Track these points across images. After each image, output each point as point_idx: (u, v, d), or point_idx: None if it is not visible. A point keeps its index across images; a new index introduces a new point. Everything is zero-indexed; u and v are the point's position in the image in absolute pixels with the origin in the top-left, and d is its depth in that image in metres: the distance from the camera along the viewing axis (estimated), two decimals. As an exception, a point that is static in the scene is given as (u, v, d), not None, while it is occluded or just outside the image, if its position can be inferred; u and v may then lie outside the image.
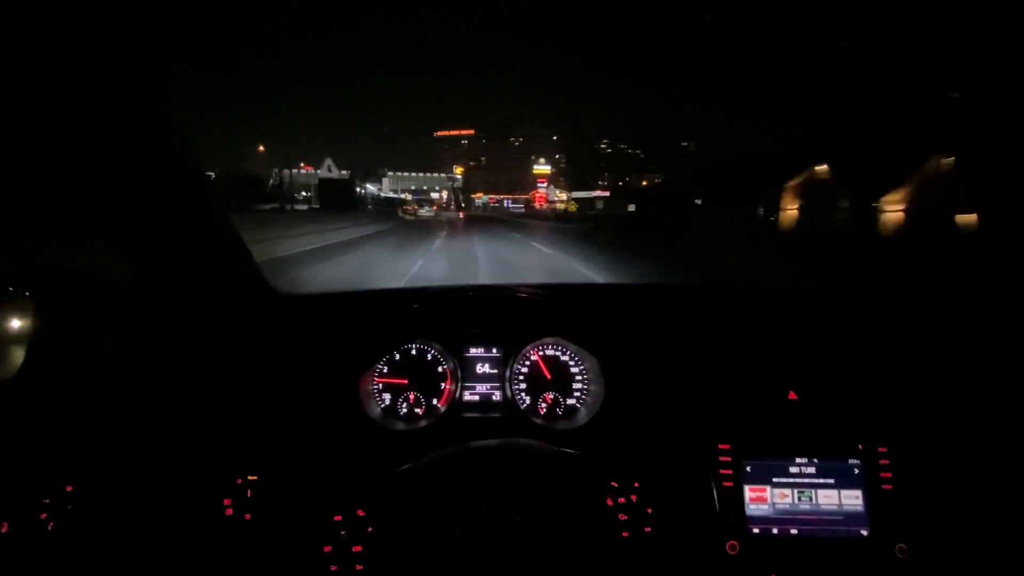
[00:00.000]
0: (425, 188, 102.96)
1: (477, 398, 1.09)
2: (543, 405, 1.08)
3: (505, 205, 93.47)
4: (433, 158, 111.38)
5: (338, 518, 0.77)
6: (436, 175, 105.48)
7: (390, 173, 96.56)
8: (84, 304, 0.84)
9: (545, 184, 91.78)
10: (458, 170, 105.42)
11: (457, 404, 1.07)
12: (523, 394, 1.08)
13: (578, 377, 1.09)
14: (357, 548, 0.75)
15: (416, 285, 1.12)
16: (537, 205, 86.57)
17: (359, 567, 0.75)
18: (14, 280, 0.80)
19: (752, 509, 0.89)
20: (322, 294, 1.19)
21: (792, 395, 0.95)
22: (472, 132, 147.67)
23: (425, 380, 1.08)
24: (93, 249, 0.82)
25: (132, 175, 0.73)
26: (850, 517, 0.88)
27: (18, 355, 0.78)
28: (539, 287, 1.09)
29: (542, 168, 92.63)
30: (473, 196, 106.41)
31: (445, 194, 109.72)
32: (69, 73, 0.57)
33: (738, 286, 1.38)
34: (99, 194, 0.73)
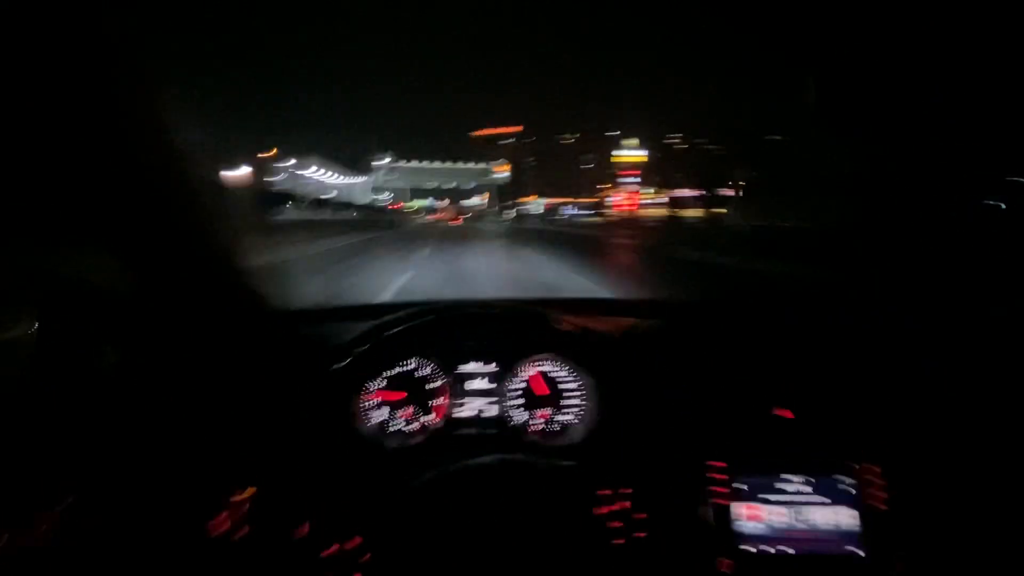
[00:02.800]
0: (455, 185, 73.44)
1: (472, 414, 1.09)
2: (538, 422, 1.08)
3: (563, 212, 62.18)
4: (474, 156, 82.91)
5: (331, 538, 0.77)
6: (475, 165, 75.10)
7: (404, 163, 67.17)
8: (86, 314, 0.85)
9: (638, 177, 60.09)
10: (502, 167, 75.30)
11: (451, 421, 1.07)
12: (518, 411, 1.09)
13: (573, 394, 1.09)
14: (352, 567, 0.75)
15: (410, 299, 1.06)
16: (626, 209, 55.61)
17: None
18: (17, 289, 0.81)
19: (745, 527, 0.89)
20: (318, 309, 1.22)
21: (786, 412, 0.96)
22: (520, 129, 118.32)
23: (418, 396, 1.08)
24: (95, 259, 0.82)
25: (132, 184, 0.72)
26: (845, 536, 0.88)
27: (19, 364, 0.79)
28: (535, 302, 1.14)
29: (632, 154, 60.95)
30: (522, 200, 75.98)
31: (485, 198, 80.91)
32: (62, 79, 0.56)
33: (731, 303, 1.39)
34: (99, 203, 0.73)
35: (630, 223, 41.02)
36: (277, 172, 31.91)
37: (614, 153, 60.22)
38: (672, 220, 41.17)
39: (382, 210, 52.87)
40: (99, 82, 0.60)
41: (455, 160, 71.71)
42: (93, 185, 0.69)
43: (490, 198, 76.79)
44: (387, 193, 63.18)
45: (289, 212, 26.55)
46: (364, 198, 53.35)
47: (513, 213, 60.84)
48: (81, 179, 0.67)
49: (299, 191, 36.10)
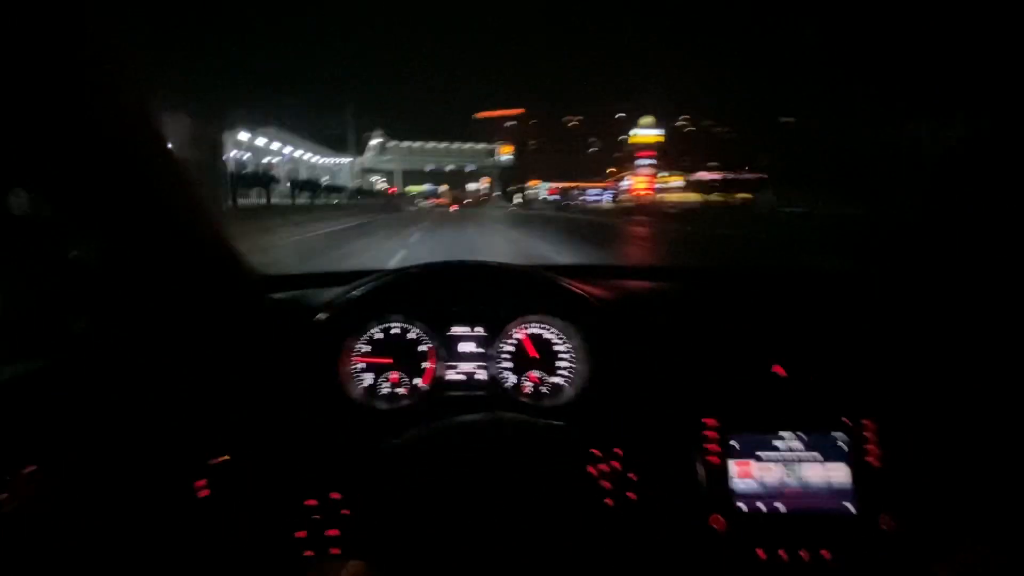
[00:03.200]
0: (454, 167, 67.26)
1: (461, 377, 1.08)
2: (528, 384, 1.08)
3: (582, 197, 56.87)
4: (474, 136, 76.79)
5: (314, 500, 0.77)
6: (476, 146, 68.95)
7: (397, 143, 61.09)
8: (53, 283, 0.83)
9: (653, 160, 54.84)
10: (506, 149, 69.55)
11: (440, 383, 1.07)
12: (508, 373, 1.09)
13: (564, 355, 1.09)
14: (333, 530, 0.75)
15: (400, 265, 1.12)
16: (643, 194, 50.38)
17: (335, 548, 0.75)
18: None
19: (738, 484, 0.89)
20: (302, 274, 1.20)
21: (778, 369, 0.95)
22: (523, 111, 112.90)
23: (407, 359, 1.07)
24: (61, 227, 0.80)
25: (97, 148, 0.70)
26: (837, 492, 0.88)
27: None
28: (524, 266, 1.12)
29: (647, 134, 55.50)
30: (526, 185, 70.48)
31: (486, 182, 75.20)
32: (30, 46, 0.54)
33: (725, 267, 1.42)
34: (63, 169, 0.70)
35: (654, 210, 35.83)
36: (242, 150, 26.40)
37: (632, 133, 54.27)
38: (707, 206, 35.95)
39: (374, 194, 47.13)
40: (65, 55, 0.58)
41: (453, 140, 65.41)
42: (57, 153, 0.67)
43: (492, 182, 71.12)
44: (378, 176, 57.32)
45: (254, 196, 21.29)
46: (351, 181, 47.48)
47: (519, 198, 55.18)
48: (44, 147, 0.66)
49: (270, 172, 30.63)
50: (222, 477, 0.80)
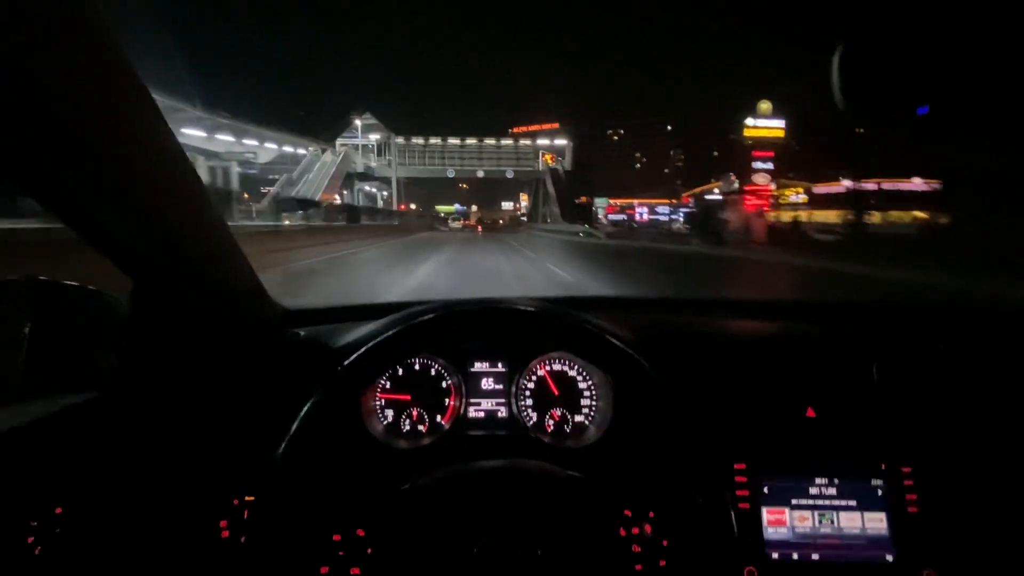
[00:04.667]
0: (482, 174, 51.28)
1: (482, 415, 1.07)
2: (550, 422, 1.06)
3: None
4: (512, 155, 61.92)
5: (336, 539, 0.80)
6: (514, 144, 52.83)
7: (402, 140, 45.06)
8: (83, 318, 0.85)
9: (770, 162, 38.12)
10: (547, 158, 54.34)
11: (461, 421, 1.05)
12: (530, 411, 1.07)
13: (587, 393, 1.07)
14: (355, 571, 0.77)
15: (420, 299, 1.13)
16: (755, 210, 34.09)
17: None
18: (10, 293, 0.82)
19: (770, 533, 0.87)
20: (324, 308, 1.21)
21: (811, 412, 0.94)
22: (556, 126, 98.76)
23: (428, 396, 1.07)
24: (92, 262, 0.81)
25: (128, 185, 0.70)
26: (874, 541, 0.86)
27: (13, 369, 0.79)
28: (546, 300, 1.11)
29: (768, 125, 38.89)
30: (582, 200, 54.80)
31: (524, 199, 60.13)
32: (57, 67, 0.53)
33: (754, 301, 1.41)
34: (95, 205, 0.70)
35: (795, 240, 19.25)
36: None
37: (748, 123, 37.70)
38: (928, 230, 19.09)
39: (373, 212, 31.55)
40: (90, 76, 0.57)
41: (482, 138, 49.34)
42: (88, 187, 0.68)
43: (532, 200, 55.88)
44: (375, 185, 41.95)
45: None
46: (319, 188, 31.38)
47: (582, 227, 38.49)
48: (76, 181, 0.66)
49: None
50: (245, 517, 0.83)
